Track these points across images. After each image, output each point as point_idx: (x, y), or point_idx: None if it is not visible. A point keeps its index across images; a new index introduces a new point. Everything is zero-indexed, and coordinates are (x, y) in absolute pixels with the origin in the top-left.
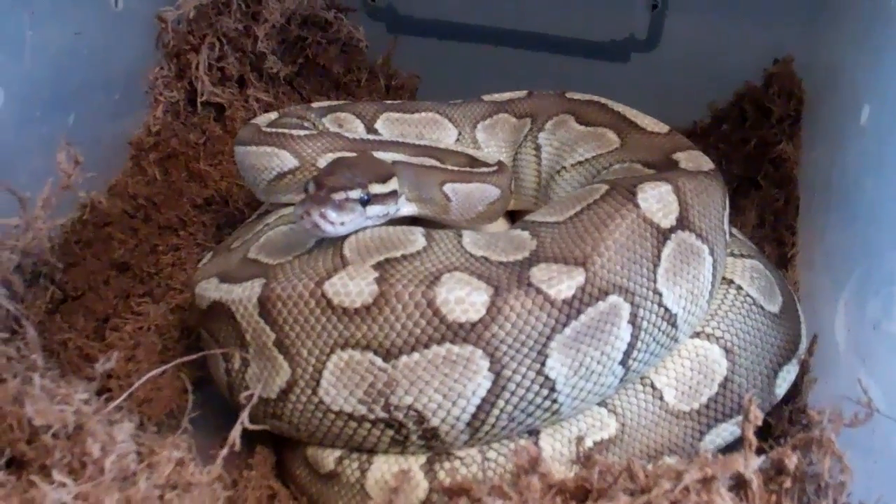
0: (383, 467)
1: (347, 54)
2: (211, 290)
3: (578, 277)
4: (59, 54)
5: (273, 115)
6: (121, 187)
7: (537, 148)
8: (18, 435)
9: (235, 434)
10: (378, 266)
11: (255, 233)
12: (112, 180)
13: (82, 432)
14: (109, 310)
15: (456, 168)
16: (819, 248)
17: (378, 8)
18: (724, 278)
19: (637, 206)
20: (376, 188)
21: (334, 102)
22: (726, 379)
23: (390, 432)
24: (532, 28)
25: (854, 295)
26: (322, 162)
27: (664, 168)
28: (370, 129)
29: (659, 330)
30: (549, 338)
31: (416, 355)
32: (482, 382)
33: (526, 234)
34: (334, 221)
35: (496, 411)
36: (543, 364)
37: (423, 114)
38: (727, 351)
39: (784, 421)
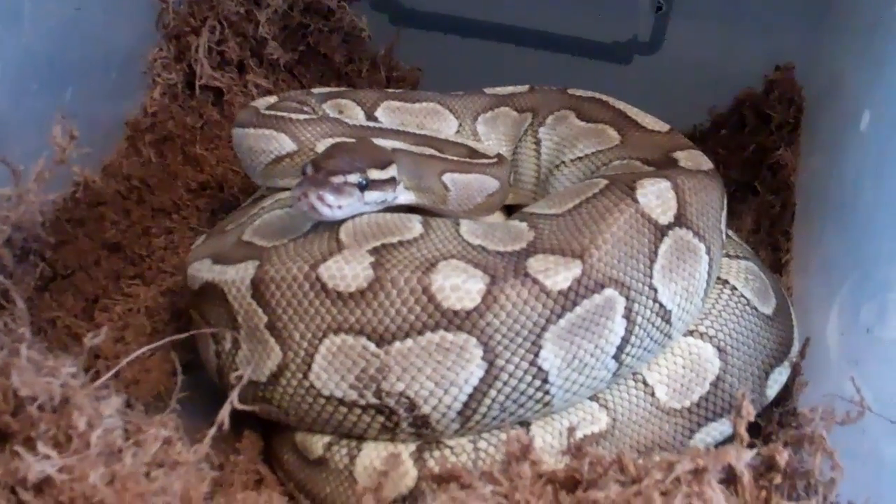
0: (372, 454)
1: (349, 44)
2: (203, 270)
3: (575, 269)
4: (58, 28)
5: (272, 99)
6: (115, 167)
7: (537, 142)
8: (3, 406)
9: (224, 414)
10: (374, 251)
11: (251, 216)
12: (106, 160)
13: (68, 405)
14: (99, 290)
15: (456, 158)
16: (814, 254)
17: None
18: (719, 278)
19: (636, 201)
20: (375, 174)
21: (335, 89)
22: (718, 378)
23: (381, 419)
24: (535, 26)
25: (847, 300)
26: (320, 147)
27: (663, 166)
28: (370, 116)
29: (653, 325)
30: (543, 328)
31: (409, 341)
32: (475, 371)
33: (524, 225)
34: (332, 204)
35: (488, 401)
36: (537, 355)
37: (425, 104)
38: (720, 350)
39: (774, 423)
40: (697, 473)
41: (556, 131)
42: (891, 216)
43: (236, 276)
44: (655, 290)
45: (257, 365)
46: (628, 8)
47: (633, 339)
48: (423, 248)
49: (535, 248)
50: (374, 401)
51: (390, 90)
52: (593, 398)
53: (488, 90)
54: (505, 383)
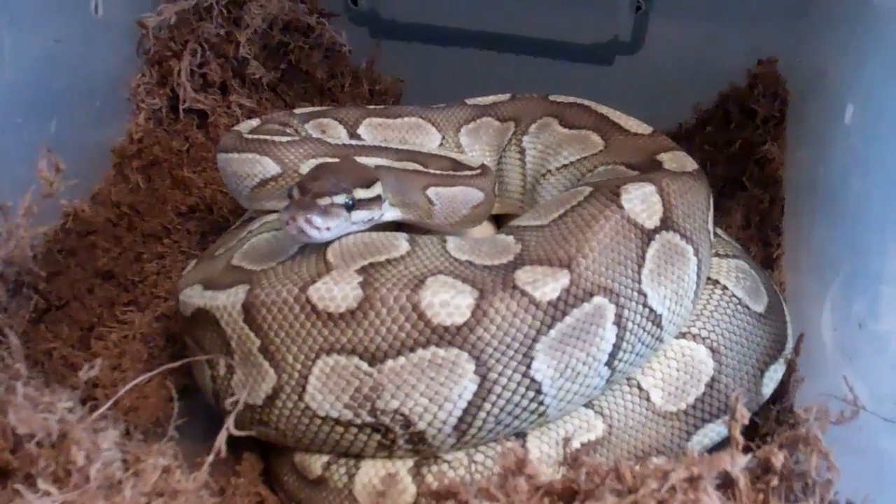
0: (371, 472)
1: (330, 59)
2: (195, 297)
3: (563, 279)
4: (40, 61)
5: (255, 122)
6: (104, 195)
7: (521, 151)
8: (2, 444)
9: (221, 440)
10: (362, 270)
11: (239, 239)
12: (95, 188)
13: (66, 440)
14: (94, 318)
15: (439, 172)
16: (805, 249)
17: (361, 12)
18: (709, 278)
19: (621, 207)
20: (361, 193)
21: (317, 108)
22: (713, 379)
23: (377, 437)
24: (516, 31)
25: (840, 294)
26: (304, 168)
27: (648, 169)
28: (353, 134)
29: (644, 330)
30: (534, 340)
31: (401, 359)
32: (468, 385)
33: (510, 238)
34: (320, 227)
35: (483, 414)
36: (529, 366)
37: (406, 118)
38: (713, 351)
39: (771, 420)
40: (693, 481)
41: (539, 139)
42: (878, 208)
43: (227, 302)
44: (645, 295)
45: (252, 388)
46: (608, 9)
47: (624, 345)
48: (410, 266)
49: (523, 260)
50: (369, 419)
51: (371, 107)
52: (588, 405)
53: (469, 101)
54: (499, 396)
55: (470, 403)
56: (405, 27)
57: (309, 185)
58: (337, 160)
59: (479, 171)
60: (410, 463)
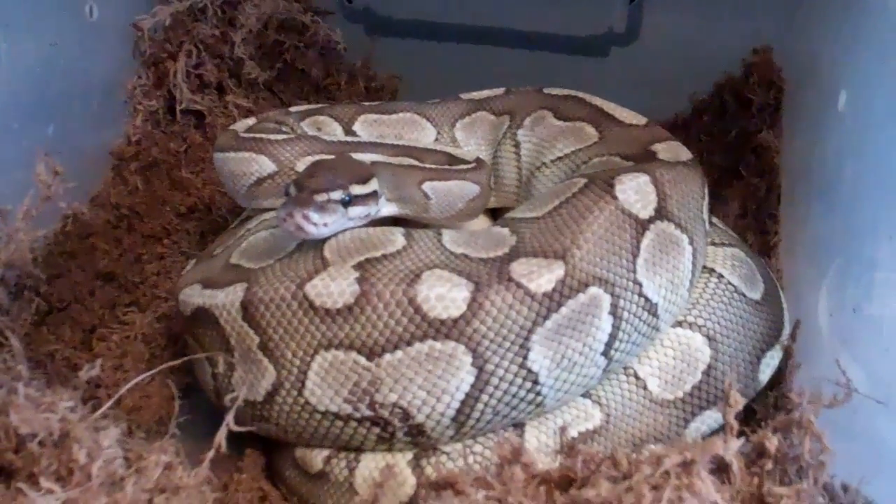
0: (371, 465)
1: (326, 57)
2: (194, 296)
3: (558, 271)
4: (36, 65)
5: (251, 121)
6: (103, 198)
7: (517, 145)
8: (5, 444)
9: (221, 436)
10: (359, 266)
11: (237, 238)
12: (94, 191)
13: (68, 439)
14: (96, 320)
15: (434, 166)
16: (801, 236)
17: (355, 10)
18: (705, 267)
19: (615, 197)
20: (357, 189)
21: (312, 106)
22: (709, 367)
23: (376, 430)
24: (510, 25)
25: (836, 280)
26: (300, 165)
27: (642, 160)
28: (348, 131)
29: (640, 320)
30: (530, 331)
31: (399, 353)
32: (465, 378)
33: (505, 230)
34: (317, 223)
35: (480, 406)
36: (526, 357)
37: (401, 114)
38: (710, 339)
39: (769, 406)
40: (686, 466)
41: (534, 132)
42: (872, 195)
43: (226, 300)
44: (640, 285)
45: (253, 385)
46: (602, 1)
47: (620, 334)
48: (406, 260)
49: (518, 253)
50: (368, 413)
51: (366, 103)
52: (586, 395)
53: (464, 95)
54: (496, 388)
55: (468, 395)
56: (400, 24)
57: (305, 182)
58: (333, 157)
59: (474, 164)
60: (410, 455)
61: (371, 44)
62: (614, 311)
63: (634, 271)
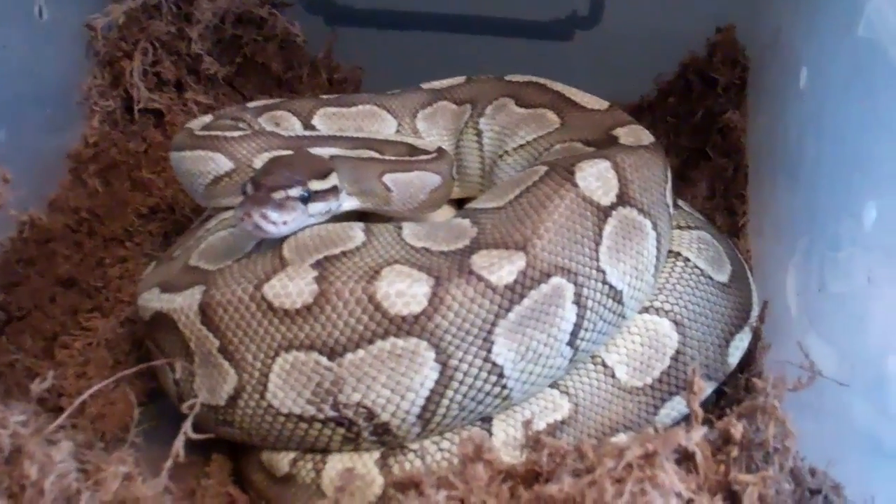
0: (338, 466)
1: (286, 50)
2: (153, 300)
3: (519, 262)
4: None
5: (207, 118)
6: (62, 201)
7: (479, 133)
8: None
9: (179, 445)
10: (317, 265)
11: (197, 239)
12: (52, 195)
13: (20, 455)
14: (57, 327)
15: (395, 158)
16: (768, 215)
17: (315, 1)
18: (670, 251)
19: (575, 185)
20: (316, 185)
21: (270, 101)
22: (678, 352)
23: (341, 431)
24: (473, 11)
25: (802, 259)
26: (258, 162)
27: (604, 145)
28: (307, 125)
29: (605, 308)
30: (493, 324)
31: (360, 352)
32: (429, 374)
33: (466, 221)
34: (276, 221)
35: (446, 402)
36: (490, 351)
37: (361, 107)
38: (677, 324)
39: (740, 389)
40: (649, 457)
41: (496, 120)
42: (832, 173)
43: (184, 304)
44: (604, 273)
45: (214, 389)
46: None
47: (585, 323)
48: (365, 257)
49: (479, 245)
50: (332, 414)
51: (325, 97)
52: (554, 386)
53: (425, 85)
54: (461, 383)
55: (432, 392)
56: (361, 13)
57: (263, 180)
58: (290, 153)
59: (435, 154)
60: (377, 455)
61: (332, 35)
62: (578, 301)
63: (597, 259)
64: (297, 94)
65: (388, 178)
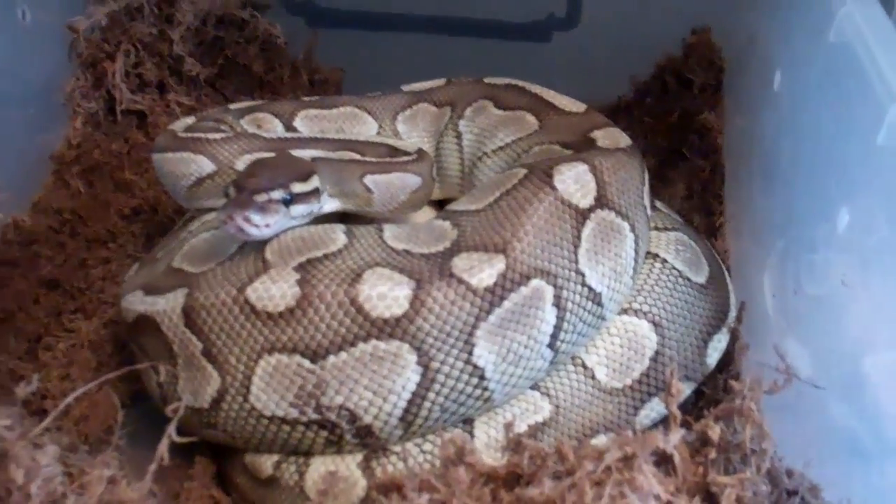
0: (321, 468)
1: (267, 52)
2: (136, 303)
3: (499, 265)
4: None
5: (190, 120)
6: (44, 203)
7: (458, 135)
8: None
9: (163, 448)
10: (300, 267)
11: (180, 240)
12: (35, 197)
13: (6, 459)
14: (41, 329)
15: (375, 159)
16: (745, 216)
17: (296, 2)
18: (648, 253)
19: (554, 188)
20: (298, 187)
21: (252, 103)
22: (657, 353)
23: (324, 433)
24: (452, 13)
25: (778, 261)
26: (240, 164)
27: (582, 147)
28: (289, 127)
29: (584, 310)
30: (474, 327)
31: (343, 354)
32: (411, 376)
33: (447, 224)
34: (259, 224)
35: (428, 404)
36: (471, 353)
37: (342, 108)
38: (656, 325)
39: (719, 389)
40: (627, 460)
41: (475, 123)
42: (807, 175)
43: (167, 306)
44: (583, 275)
45: (198, 392)
46: None
47: (565, 325)
48: (347, 260)
49: (459, 247)
50: (315, 416)
51: (307, 99)
52: (535, 387)
53: (405, 87)
54: (442, 385)
55: (414, 394)
56: (342, 15)
57: (245, 183)
58: (272, 155)
59: (415, 156)
60: (360, 457)
61: (313, 36)
62: (558, 303)
63: (576, 261)
64: (278, 94)
65: (368, 180)
